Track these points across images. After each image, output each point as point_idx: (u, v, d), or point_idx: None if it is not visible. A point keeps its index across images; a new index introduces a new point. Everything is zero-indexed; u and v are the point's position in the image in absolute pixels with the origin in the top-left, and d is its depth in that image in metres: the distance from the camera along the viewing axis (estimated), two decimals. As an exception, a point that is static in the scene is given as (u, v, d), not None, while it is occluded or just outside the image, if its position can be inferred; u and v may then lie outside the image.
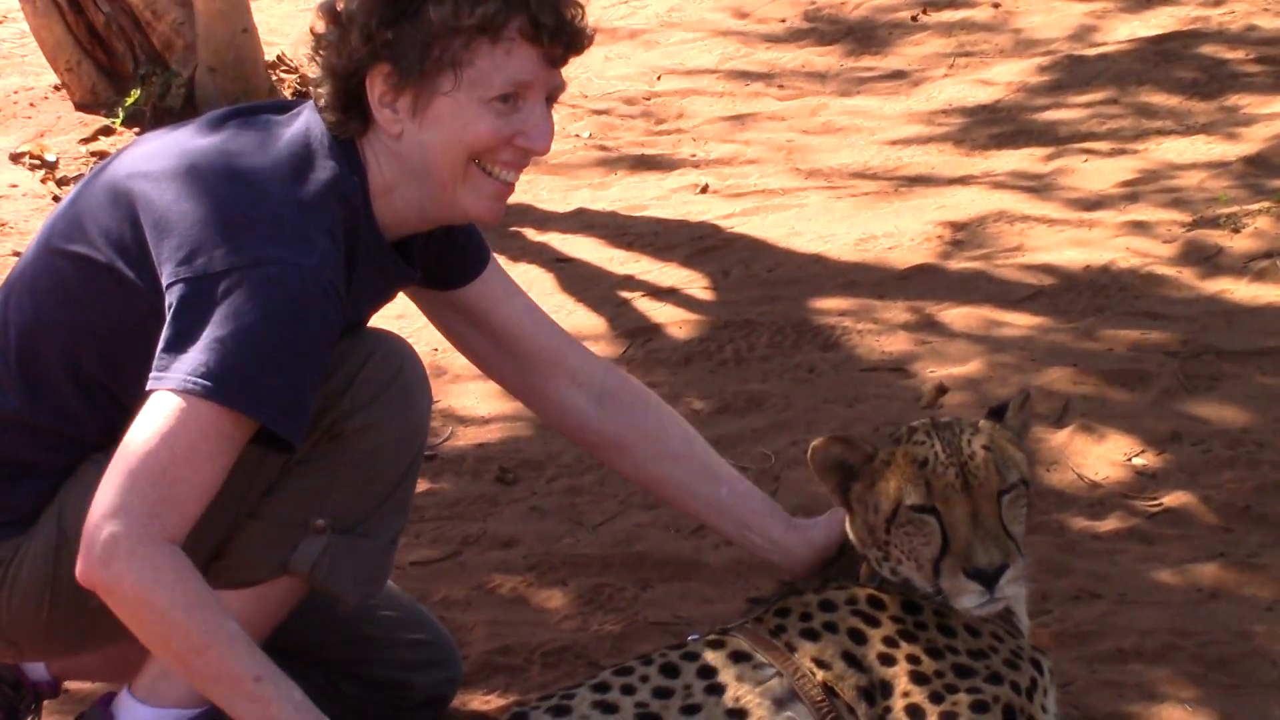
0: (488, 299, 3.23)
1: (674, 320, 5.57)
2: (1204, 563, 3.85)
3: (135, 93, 8.27)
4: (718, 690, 2.85)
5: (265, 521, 2.91)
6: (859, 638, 2.90)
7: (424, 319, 3.32)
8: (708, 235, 6.42)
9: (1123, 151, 6.92)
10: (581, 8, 2.89)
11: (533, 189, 7.20)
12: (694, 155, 7.63)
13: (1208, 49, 8.08)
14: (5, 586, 2.91)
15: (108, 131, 8.15)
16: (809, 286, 5.75)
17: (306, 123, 2.89)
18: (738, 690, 2.85)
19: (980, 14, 9.17)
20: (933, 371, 4.98)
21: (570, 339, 3.33)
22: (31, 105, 8.65)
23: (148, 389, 2.69)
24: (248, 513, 2.90)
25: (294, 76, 8.48)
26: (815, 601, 2.97)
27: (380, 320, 3.09)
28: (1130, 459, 4.36)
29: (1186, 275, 5.52)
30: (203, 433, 2.65)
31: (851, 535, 3.06)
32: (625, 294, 5.90)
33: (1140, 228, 5.97)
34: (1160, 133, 7.10)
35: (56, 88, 8.71)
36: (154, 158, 2.87)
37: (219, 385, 2.64)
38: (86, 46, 8.51)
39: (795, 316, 5.45)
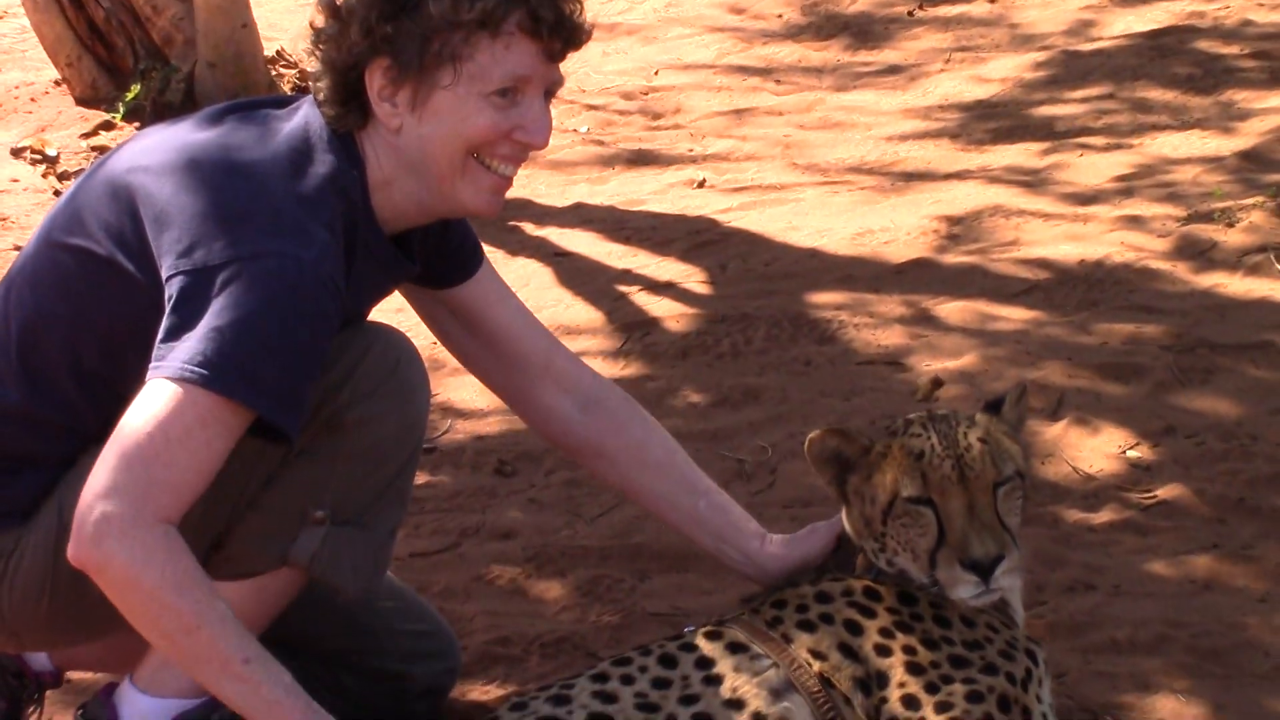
0: (481, 300, 3.23)
1: (671, 314, 5.57)
2: (1198, 555, 3.86)
3: (135, 88, 8.26)
4: (715, 681, 2.86)
5: (264, 513, 2.91)
6: (855, 629, 2.91)
7: (423, 314, 3.34)
8: (705, 230, 6.42)
9: (1118, 146, 6.93)
10: (580, 3, 2.89)
11: (531, 183, 7.21)
12: (691, 150, 7.64)
13: (1203, 44, 8.09)
14: (6, 578, 2.92)
15: (108, 126, 8.14)
16: (806, 280, 5.75)
17: (305, 117, 2.90)
18: (735, 681, 2.86)
19: (977, 9, 9.19)
20: (928, 365, 4.99)
21: (559, 345, 3.34)
22: (32, 100, 8.64)
23: (146, 377, 2.69)
24: (247, 504, 2.90)
25: (293, 71, 8.47)
26: (811, 593, 2.98)
27: (380, 314, 3.10)
28: (1124, 452, 4.37)
29: (1181, 269, 5.53)
30: (199, 419, 2.65)
31: (848, 527, 3.07)
32: (623, 288, 5.90)
33: (1135, 222, 5.98)
34: (1156, 128, 7.11)
35: (57, 83, 8.71)
36: (153, 152, 2.88)
37: (216, 374, 2.65)
38: (87, 42, 8.50)
39: (792, 310, 5.45)
